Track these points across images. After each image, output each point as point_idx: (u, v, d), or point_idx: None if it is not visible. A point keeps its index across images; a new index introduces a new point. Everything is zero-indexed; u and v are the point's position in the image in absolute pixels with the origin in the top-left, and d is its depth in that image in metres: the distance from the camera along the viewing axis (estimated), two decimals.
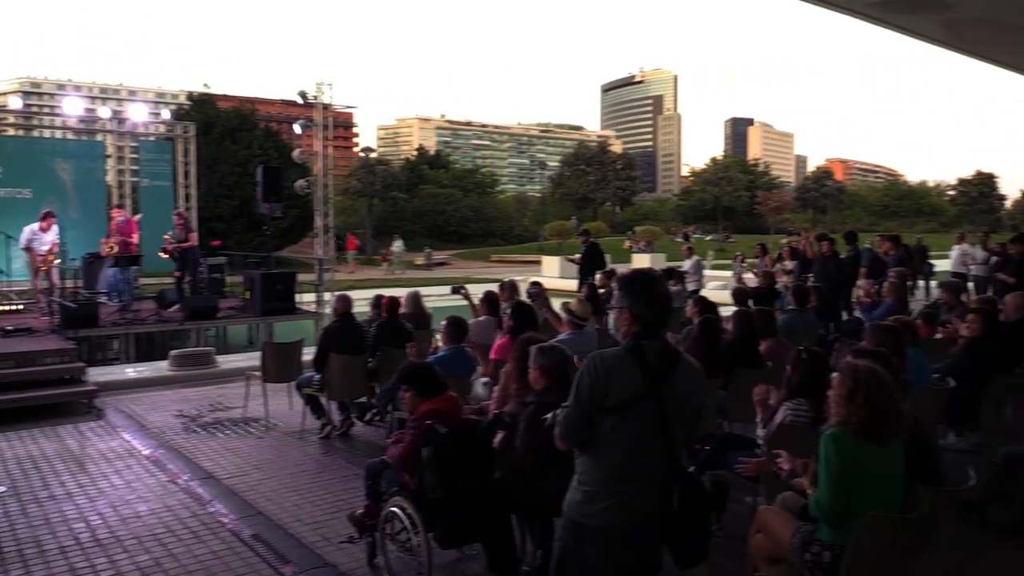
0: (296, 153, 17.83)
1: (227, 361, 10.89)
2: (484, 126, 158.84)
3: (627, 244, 35.52)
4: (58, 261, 13.17)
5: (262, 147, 42.31)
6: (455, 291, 8.66)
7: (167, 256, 13.58)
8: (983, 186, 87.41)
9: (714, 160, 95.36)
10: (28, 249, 12.71)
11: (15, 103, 19.20)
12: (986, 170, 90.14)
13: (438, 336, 6.89)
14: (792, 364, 4.38)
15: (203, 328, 13.02)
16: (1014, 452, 4.99)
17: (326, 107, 16.87)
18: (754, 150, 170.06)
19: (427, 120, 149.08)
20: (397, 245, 24.01)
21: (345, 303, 7.61)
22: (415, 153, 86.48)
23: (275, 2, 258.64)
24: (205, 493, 5.87)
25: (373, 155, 74.17)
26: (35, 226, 12.72)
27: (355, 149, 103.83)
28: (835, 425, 3.20)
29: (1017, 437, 6.12)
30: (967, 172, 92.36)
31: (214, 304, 13.16)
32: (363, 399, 7.43)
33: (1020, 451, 5.00)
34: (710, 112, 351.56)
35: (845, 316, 11.50)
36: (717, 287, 20.37)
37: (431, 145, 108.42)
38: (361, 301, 9.67)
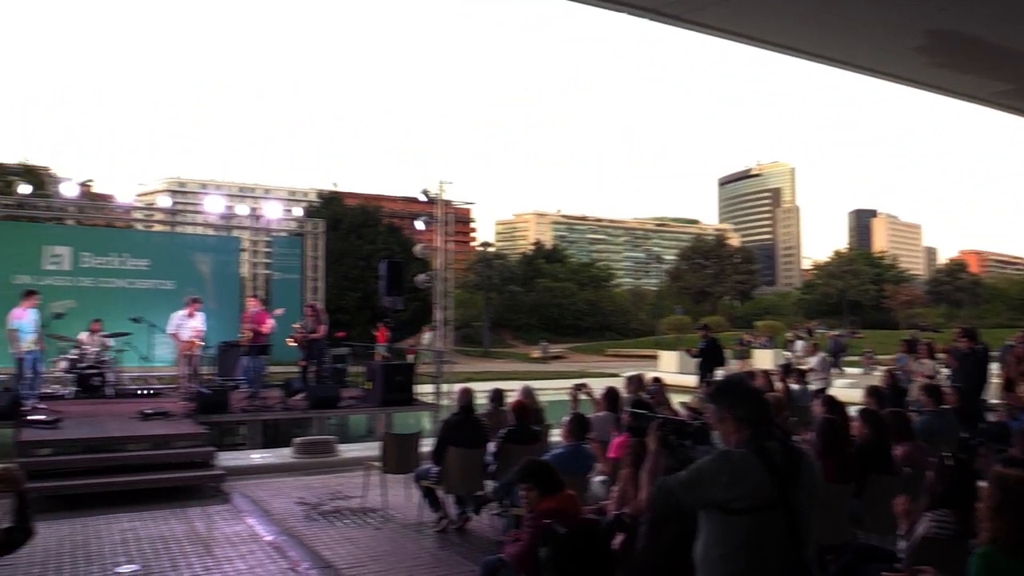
0: (418, 248, 18.46)
1: (347, 450, 11.08)
2: (599, 220, 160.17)
3: (747, 339, 34.61)
4: (202, 344, 13.86)
5: (385, 242, 44.02)
6: (578, 388, 8.59)
7: (295, 344, 14.15)
8: None
9: (838, 253, 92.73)
10: (174, 335, 13.42)
11: (164, 201, 20.74)
12: None
13: (556, 431, 6.83)
14: (936, 472, 4.11)
15: (325, 417, 13.33)
16: None
17: (447, 204, 17.44)
18: (879, 242, 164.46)
19: (543, 215, 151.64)
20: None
21: (467, 396, 7.65)
22: (532, 247, 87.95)
23: (398, 106, 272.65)
24: None
25: (491, 249, 75.77)
26: (182, 312, 13.41)
27: (473, 244, 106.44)
28: (985, 542, 2.97)
29: None
30: None
31: (336, 394, 13.49)
32: (480, 493, 7.39)
33: None
34: (830, 204, 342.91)
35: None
36: (845, 385, 19.48)
37: (547, 239, 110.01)
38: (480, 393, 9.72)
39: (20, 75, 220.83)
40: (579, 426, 6.20)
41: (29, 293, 12.50)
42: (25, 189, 17.28)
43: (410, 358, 20.03)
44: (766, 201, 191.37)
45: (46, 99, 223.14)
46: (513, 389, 8.73)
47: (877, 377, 15.39)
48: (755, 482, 2.66)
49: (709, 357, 13.98)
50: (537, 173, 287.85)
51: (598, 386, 8.46)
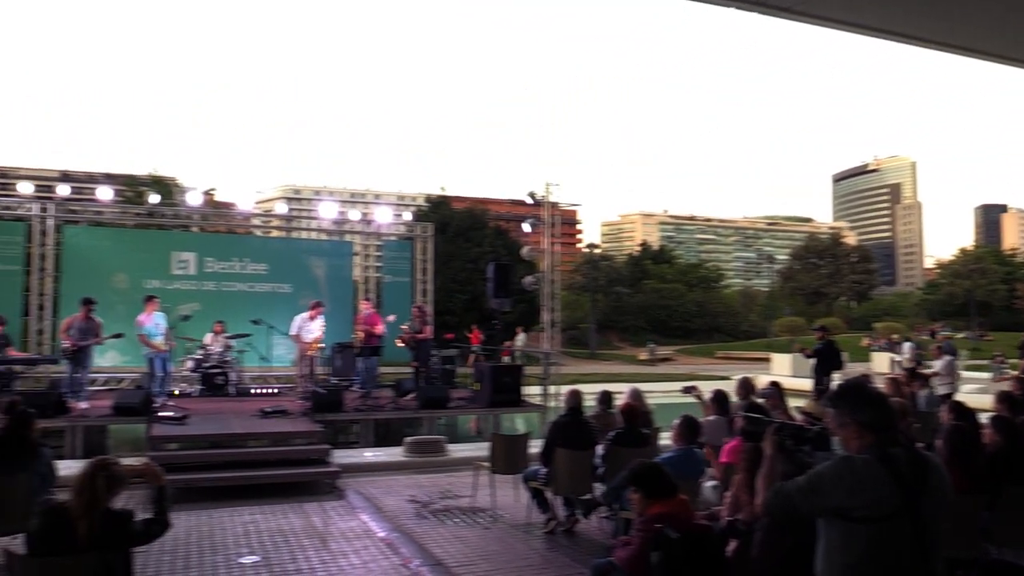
0: (525, 250, 18.54)
1: (456, 450, 11.22)
2: (708, 220, 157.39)
3: (866, 342, 33.20)
4: (321, 346, 14.35)
5: (492, 245, 44.44)
6: (687, 391, 8.46)
7: (403, 345, 14.46)
8: None
9: (963, 251, 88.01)
10: (296, 336, 13.90)
11: (280, 208, 21.57)
12: None
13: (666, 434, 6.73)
14: None
15: (435, 417, 13.55)
16: None
17: (553, 206, 17.44)
18: (1010, 239, 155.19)
19: (650, 215, 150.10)
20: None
21: (576, 398, 7.64)
22: (638, 248, 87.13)
23: (506, 107, 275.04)
24: None
25: (597, 251, 75.48)
26: (305, 315, 13.88)
27: (579, 245, 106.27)
28: None
29: None
30: None
31: (446, 394, 13.71)
32: (589, 495, 7.35)
33: None
34: (955, 199, 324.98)
35: None
36: (973, 390, 18.50)
37: (654, 240, 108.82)
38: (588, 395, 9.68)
39: (149, 87, 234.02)
40: (690, 429, 6.08)
41: (149, 299, 13.15)
42: (155, 199, 18.31)
43: (505, 359, 20.14)
44: (885, 197, 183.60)
45: (173, 110, 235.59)
46: (621, 391, 8.65)
47: (1007, 383, 14.51)
48: (879, 490, 2.56)
49: (825, 360, 13.46)
50: (644, 174, 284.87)
51: (708, 389, 8.30)
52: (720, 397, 7.62)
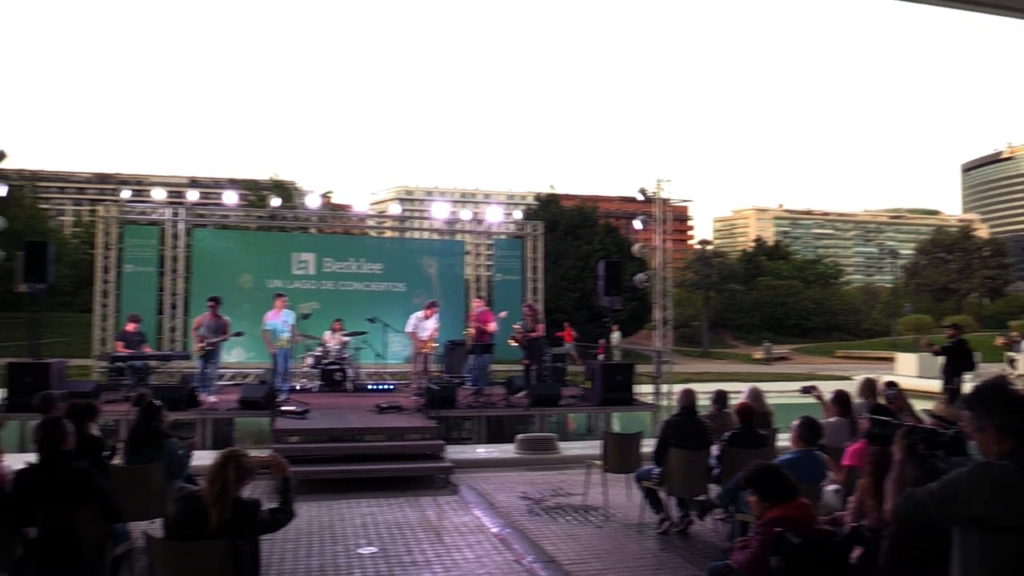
0: (636, 247, 18.35)
1: (568, 448, 11.23)
2: (826, 214, 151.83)
3: (1000, 341, 31.24)
4: (435, 346, 14.65)
5: (602, 242, 44.13)
6: (806, 391, 8.20)
7: (516, 344, 14.57)
8: None
9: None
10: (411, 334, 14.22)
11: (394, 209, 22.13)
12: None
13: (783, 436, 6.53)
14: None
15: (546, 415, 13.59)
16: None
17: (664, 202, 17.22)
18: None
19: (764, 210, 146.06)
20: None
21: (689, 397, 7.51)
22: (752, 244, 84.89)
23: (614, 105, 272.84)
24: None
25: (709, 247, 73.96)
26: (420, 314, 14.19)
27: (691, 242, 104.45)
28: None
29: None
30: None
31: (557, 392, 13.71)
32: (703, 497, 7.22)
33: None
34: None
35: None
36: None
37: (769, 236, 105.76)
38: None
39: (268, 93, 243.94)
40: (810, 431, 5.86)
41: (277, 296, 13.73)
42: (276, 202, 19.05)
43: (599, 357, 19.96)
44: (1021, 187, 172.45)
45: (290, 115, 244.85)
46: (736, 391, 8.45)
47: None
48: (1021, 498, 2.40)
49: (956, 359, 12.74)
50: (757, 168, 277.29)
51: (828, 389, 8.01)
52: (842, 398, 7.33)
